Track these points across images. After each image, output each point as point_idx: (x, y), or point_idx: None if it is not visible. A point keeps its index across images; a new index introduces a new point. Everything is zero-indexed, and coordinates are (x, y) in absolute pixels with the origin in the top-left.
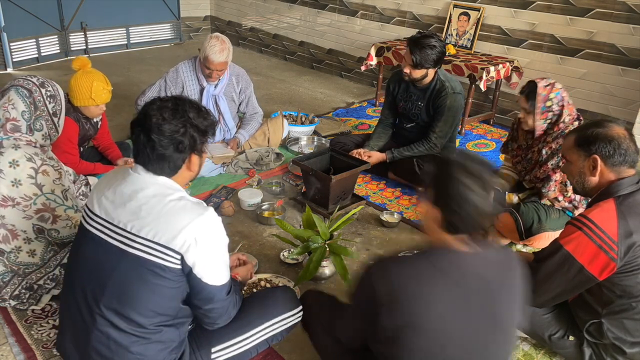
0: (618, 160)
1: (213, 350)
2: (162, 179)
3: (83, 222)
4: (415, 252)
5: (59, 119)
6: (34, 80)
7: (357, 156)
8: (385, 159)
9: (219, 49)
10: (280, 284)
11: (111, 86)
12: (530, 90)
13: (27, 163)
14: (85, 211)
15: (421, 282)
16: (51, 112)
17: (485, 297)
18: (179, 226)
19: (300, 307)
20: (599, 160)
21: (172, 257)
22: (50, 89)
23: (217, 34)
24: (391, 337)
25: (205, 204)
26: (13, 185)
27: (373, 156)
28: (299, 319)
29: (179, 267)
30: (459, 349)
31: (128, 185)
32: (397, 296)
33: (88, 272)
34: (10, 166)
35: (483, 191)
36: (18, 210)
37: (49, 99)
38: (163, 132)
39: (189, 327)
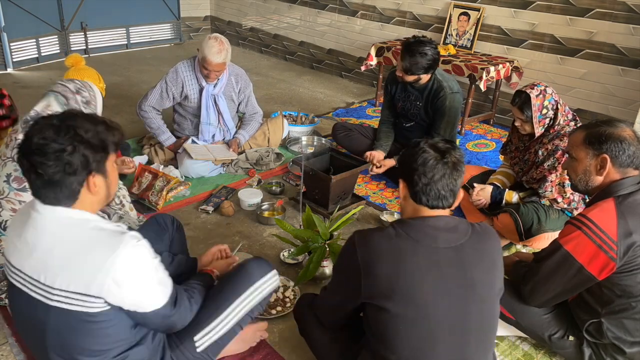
0: (626, 162)
1: (195, 339)
2: (62, 212)
3: (7, 274)
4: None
5: None
6: (70, 86)
7: (371, 160)
8: (394, 164)
9: (217, 50)
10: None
11: (104, 83)
12: (523, 101)
13: None
14: (6, 263)
15: (394, 248)
16: None
17: (457, 263)
18: (92, 270)
19: (274, 272)
20: (609, 160)
21: (95, 302)
22: (86, 94)
23: (216, 34)
24: (371, 304)
25: (121, 229)
26: None
27: (384, 164)
28: (275, 283)
29: (108, 307)
30: (438, 316)
31: (30, 230)
32: (373, 260)
33: (25, 326)
34: None
35: (442, 164)
36: None
37: (84, 105)
38: (46, 154)
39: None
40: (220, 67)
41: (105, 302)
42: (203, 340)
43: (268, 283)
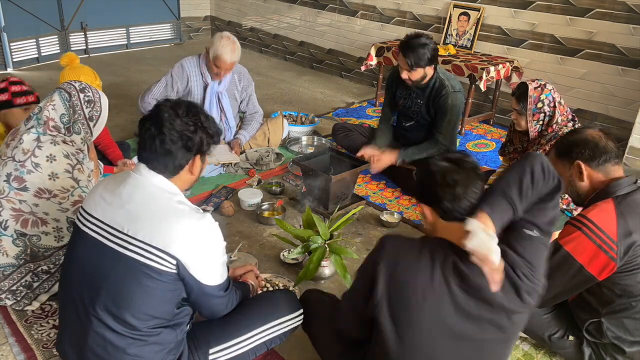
0: (602, 160)
1: (211, 351)
2: (163, 181)
3: (78, 223)
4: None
5: (95, 123)
6: (76, 85)
7: (366, 158)
8: (394, 163)
9: (231, 49)
10: (280, 284)
11: (100, 81)
12: (521, 92)
13: (63, 159)
14: (80, 212)
15: (416, 269)
16: (87, 116)
17: (482, 298)
18: (176, 231)
19: (301, 311)
20: (583, 165)
21: (168, 261)
22: (89, 94)
23: (227, 33)
24: (377, 320)
25: (200, 210)
26: (50, 179)
27: (382, 160)
28: (299, 322)
29: (174, 271)
30: (451, 341)
31: (127, 187)
32: (392, 276)
33: (83, 274)
34: (48, 160)
35: (462, 169)
36: (53, 202)
37: (86, 103)
38: (174, 127)
39: (187, 327)
40: (232, 66)
41: (177, 264)
42: (218, 355)
43: (294, 320)
